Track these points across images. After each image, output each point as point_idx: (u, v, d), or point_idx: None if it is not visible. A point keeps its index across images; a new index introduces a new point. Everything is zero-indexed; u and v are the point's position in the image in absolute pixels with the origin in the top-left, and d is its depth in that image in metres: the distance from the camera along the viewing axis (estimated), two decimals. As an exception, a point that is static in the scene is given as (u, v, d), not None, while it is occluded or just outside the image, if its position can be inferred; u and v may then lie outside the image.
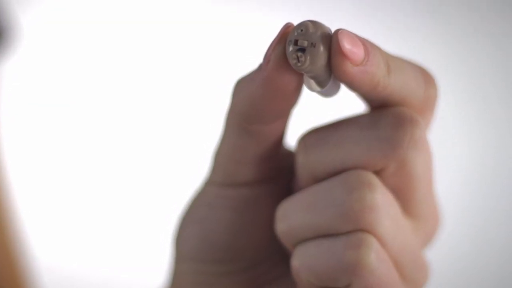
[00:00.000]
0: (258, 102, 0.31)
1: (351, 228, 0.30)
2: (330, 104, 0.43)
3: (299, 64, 0.29)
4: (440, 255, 0.85)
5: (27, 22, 0.83)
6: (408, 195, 0.32)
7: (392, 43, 0.86)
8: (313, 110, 0.52)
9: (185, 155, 0.86)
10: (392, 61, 0.30)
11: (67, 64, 0.87)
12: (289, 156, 0.35)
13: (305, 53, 0.28)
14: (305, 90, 0.31)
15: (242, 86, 0.31)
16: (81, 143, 0.88)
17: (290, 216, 0.32)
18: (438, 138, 0.87)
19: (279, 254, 0.35)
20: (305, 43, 0.29)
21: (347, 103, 0.37)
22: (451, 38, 0.88)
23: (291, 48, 0.29)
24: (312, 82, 0.30)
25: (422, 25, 0.88)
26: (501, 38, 0.87)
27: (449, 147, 0.88)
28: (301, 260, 0.31)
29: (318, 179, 0.32)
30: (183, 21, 0.88)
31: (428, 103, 0.32)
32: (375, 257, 0.30)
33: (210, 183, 0.35)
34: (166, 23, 0.87)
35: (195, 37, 0.87)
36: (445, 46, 0.88)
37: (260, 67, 0.31)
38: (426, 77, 0.32)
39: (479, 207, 0.88)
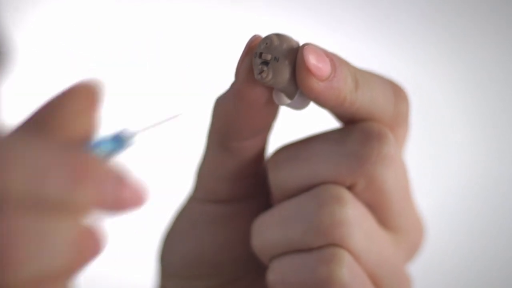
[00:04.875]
0: (233, 117, 0.31)
1: (322, 242, 0.30)
2: (312, 119, 0.43)
3: (262, 77, 0.29)
4: (441, 255, 0.85)
5: (22, 32, 0.85)
6: (383, 209, 0.32)
7: (392, 44, 0.86)
8: (293, 127, 0.52)
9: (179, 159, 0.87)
10: (360, 76, 0.30)
11: (62, 76, 0.88)
12: None
13: (268, 67, 0.29)
14: (284, 107, 0.32)
15: (218, 103, 0.32)
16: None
17: (264, 231, 0.32)
18: (440, 142, 0.87)
19: (258, 270, 0.35)
20: (269, 57, 0.29)
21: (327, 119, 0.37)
22: (453, 41, 0.87)
23: (256, 61, 0.29)
24: (281, 95, 0.30)
25: (424, 28, 0.87)
26: (504, 40, 0.86)
27: (451, 150, 0.87)
28: (276, 275, 0.32)
29: (290, 195, 0.32)
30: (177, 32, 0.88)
31: (399, 118, 0.32)
32: (347, 272, 0.30)
33: (192, 199, 0.35)
34: (160, 34, 0.88)
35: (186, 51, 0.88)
36: (447, 48, 0.87)
37: (233, 82, 0.31)
38: (396, 92, 0.32)
39: (478, 212, 0.87)
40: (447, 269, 0.86)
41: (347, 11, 0.87)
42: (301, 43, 0.29)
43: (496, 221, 0.87)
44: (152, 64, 0.88)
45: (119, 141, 0.25)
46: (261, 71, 0.29)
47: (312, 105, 0.32)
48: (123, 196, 0.22)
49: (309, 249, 0.31)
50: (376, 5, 0.87)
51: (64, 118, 0.23)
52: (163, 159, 0.89)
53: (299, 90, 0.29)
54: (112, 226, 0.84)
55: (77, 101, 0.23)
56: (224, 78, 0.39)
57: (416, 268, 0.38)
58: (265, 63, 0.29)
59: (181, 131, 0.87)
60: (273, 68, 0.29)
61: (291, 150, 0.32)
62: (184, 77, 0.88)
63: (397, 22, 0.86)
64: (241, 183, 0.34)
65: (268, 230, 0.32)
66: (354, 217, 0.30)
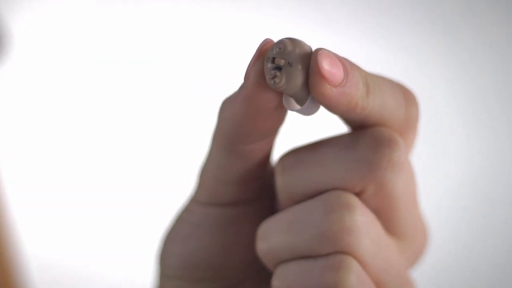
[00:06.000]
0: (241, 121, 0.30)
1: (330, 249, 0.30)
2: (317, 123, 0.43)
3: (275, 82, 0.28)
4: (440, 256, 0.85)
5: (17, 28, 0.84)
6: (390, 216, 0.31)
7: (390, 46, 0.86)
8: (300, 130, 0.52)
9: (180, 156, 0.87)
10: (371, 81, 0.30)
11: (59, 68, 0.87)
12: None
13: (281, 72, 0.28)
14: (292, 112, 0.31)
15: (226, 105, 0.31)
16: (72, 144, 0.89)
17: (270, 236, 0.32)
18: (438, 143, 0.87)
19: (261, 273, 0.35)
20: (282, 62, 0.28)
21: (332, 123, 0.37)
22: (452, 41, 0.87)
23: (268, 66, 0.28)
24: (291, 100, 0.30)
25: (423, 28, 0.87)
26: (501, 40, 0.87)
27: (449, 151, 0.88)
28: (281, 281, 0.31)
29: (297, 201, 0.31)
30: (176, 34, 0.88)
31: (409, 123, 0.31)
32: (355, 279, 0.30)
33: (194, 201, 0.35)
34: (161, 31, 0.88)
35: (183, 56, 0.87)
36: (446, 48, 0.87)
37: (242, 85, 0.30)
38: (407, 97, 0.31)
39: (476, 213, 0.87)
40: (445, 271, 0.86)
41: (346, 11, 0.87)
42: (313, 48, 0.29)
43: (495, 223, 0.87)
44: (156, 64, 0.88)
45: None
46: (274, 76, 0.28)
47: (320, 110, 0.31)
48: None
49: (316, 256, 0.30)
50: (375, 5, 0.87)
51: None
52: (164, 160, 0.89)
53: (310, 95, 0.29)
54: (112, 226, 0.84)
55: None
56: (229, 80, 0.39)
57: (415, 270, 0.38)
58: (278, 68, 0.28)
59: (183, 132, 0.87)
60: (286, 74, 0.28)
61: (299, 154, 0.31)
62: (189, 78, 0.88)
63: (396, 22, 0.86)
64: (245, 187, 0.33)
65: (275, 235, 0.31)
66: (363, 224, 0.30)
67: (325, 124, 0.42)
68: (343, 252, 0.30)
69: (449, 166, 0.88)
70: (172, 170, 0.87)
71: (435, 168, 0.87)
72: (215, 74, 0.84)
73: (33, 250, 0.87)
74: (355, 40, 0.86)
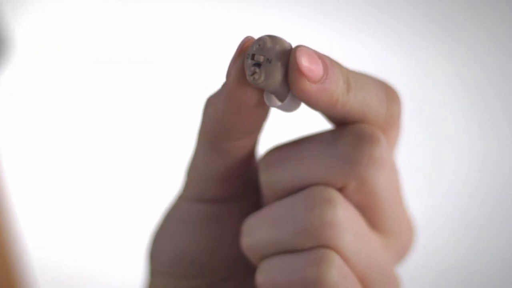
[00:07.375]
0: (223, 118, 0.31)
1: (312, 244, 0.30)
2: (301, 120, 0.43)
3: (254, 79, 0.29)
4: (438, 257, 0.85)
5: (19, 29, 0.85)
6: (373, 211, 0.32)
7: (391, 45, 0.86)
8: (284, 127, 0.52)
9: (170, 158, 0.87)
10: (352, 78, 0.30)
11: (60, 69, 0.88)
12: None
13: (260, 69, 0.28)
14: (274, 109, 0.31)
15: (209, 103, 0.32)
16: (74, 146, 0.89)
17: (254, 232, 0.32)
18: (438, 142, 0.87)
19: (247, 270, 0.35)
20: (261, 58, 0.28)
21: (316, 120, 0.37)
22: (452, 40, 0.87)
23: (248, 63, 0.29)
24: (272, 97, 0.30)
25: (423, 26, 0.87)
26: (503, 40, 0.86)
27: (449, 151, 0.88)
28: (265, 276, 0.31)
29: (280, 196, 0.32)
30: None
31: (391, 120, 0.31)
32: (337, 274, 0.30)
33: (182, 198, 0.35)
34: (151, 34, 0.88)
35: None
36: (446, 47, 0.87)
37: (224, 83, 0.31)
38: (389, 94, 0.31)
39: (476, 213, 0.87)
40: (444, 271, 0.86)
41: (344, 10, 0.87)
42: (293, 45, 0.29)
43: (495, 223, 0.87)
44: (156, 64, 0.88)
45: None
46: (253, 73, 0.29)
47: (303, 107, 0.31)
48: None
49: (299, 250, 0.30)
50: (376, 4, 0.87)
51: None
52: (153, 157, 0.89)
53: (291, 92, 0.29)
54: (114, 228, 0.84)
55: None
56: (215, 78, 0.39)
57: (414, 270, 0.38)
58: (258, 64, 0.29)
59: (172, 130, 0.87)
60: (265, 70, 0.28)
61: (282, 151, 0.32)
62: (176, 76, 0.88)
63: (395, 20, 0.86)
64: (230, 183, 0.34)
65: (258, 231, 0.32)
66: (345, 218, 0.30)
67: (308, 121, 0.42)
68: (325, 247, 0.30)
69: (449, 166, 0.88)
70: (172, 170, 0.87)
71: (435, 168, 0.87)
72: (214, 73, 0.84)
73: (36, 252, 0.87)
74: (355, 40, 0.86)
